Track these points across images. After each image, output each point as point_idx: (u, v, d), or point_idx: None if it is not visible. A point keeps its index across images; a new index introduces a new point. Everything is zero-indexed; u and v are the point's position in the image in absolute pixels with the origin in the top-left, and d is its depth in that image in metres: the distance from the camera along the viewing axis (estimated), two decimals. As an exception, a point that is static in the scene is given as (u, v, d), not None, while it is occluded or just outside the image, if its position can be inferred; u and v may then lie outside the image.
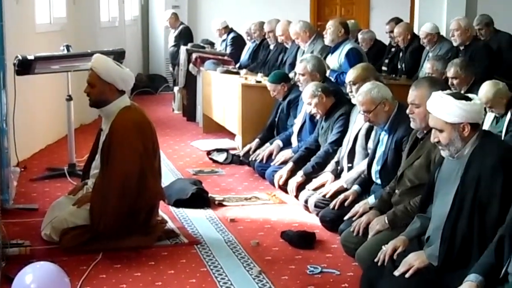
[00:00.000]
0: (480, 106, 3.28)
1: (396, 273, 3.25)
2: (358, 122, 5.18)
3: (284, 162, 6.01)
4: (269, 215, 5.38)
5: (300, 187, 5.50)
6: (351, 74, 5.25)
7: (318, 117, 5.78)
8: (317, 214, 5.08)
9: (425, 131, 3.85)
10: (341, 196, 4.80)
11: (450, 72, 5.96)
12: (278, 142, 6.42)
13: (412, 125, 3.93)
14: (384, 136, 4.63)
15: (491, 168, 3.10)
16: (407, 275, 3.22)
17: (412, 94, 3.87)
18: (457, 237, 3.14)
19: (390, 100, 4.59)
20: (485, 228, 3.09)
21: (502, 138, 4.94)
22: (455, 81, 5.92)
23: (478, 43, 7.33)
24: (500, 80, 5.62)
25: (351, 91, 5.23)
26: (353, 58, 6.73)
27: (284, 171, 5.81)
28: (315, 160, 5.58)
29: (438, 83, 4.03)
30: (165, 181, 5.67)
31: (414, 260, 3.26)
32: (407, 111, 3.91)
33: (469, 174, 3.15)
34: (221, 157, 7.12)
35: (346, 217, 4.51)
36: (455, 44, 7.31)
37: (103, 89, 4.56)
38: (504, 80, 5.68)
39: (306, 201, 5.29)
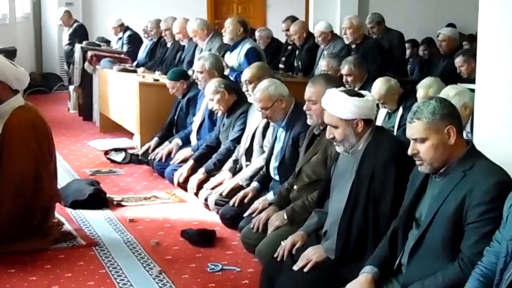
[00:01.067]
0: (373, 102, 3.39)
1: (295, 267, 3.30)
2: (255, 120, 5.23)
3: (184, 161, 5.98)
4: (169, 214, 5.35)
5: (201, 185, 5.50)
6: (246, 73, 5.31)
7: (219, 114, 5.78)
8: (217, 212, 5.08)
9: (321, 127, 3.92)
10: (241, 193, 4.82)
11: (344, 69, 6.09)
12: (177, 141, 6.38)
13: (309, 121, 4.00)
14: (281, 133, 4.69)
15: (384, 163, 3.20)
16: (305, 269, 3.27)
17: (309, 91, 3.93)
18: (353, 231, 3.22)
19: (287, 97, 4.65)
20: (379, 222, 3.18)
21: (395, 133, 5.11)
22: (349, 78, 6.05)
23: (369, 41, 7.50)
24: (391, 77, 5.81)
25: (247, 90, 5.28)
26: (252, 57, 6.77)
27: (184, 169, 5.78)
28: (217, 157, 5.58)
29: (334, 80, 4.11)
30: (61, 182, 5.53)
31: (312, 255, 3.32)
32: (304, 108, 3.97)
33: (363, 169, 3.24)
34: (119, 157, 7.02)
35: (245, 214, 4.54)
36: (347, 42, 7.46)
37: (-5, 89, 4.41)
38: (395, 77, 5.88)
39: (206, 199, 5.29)
